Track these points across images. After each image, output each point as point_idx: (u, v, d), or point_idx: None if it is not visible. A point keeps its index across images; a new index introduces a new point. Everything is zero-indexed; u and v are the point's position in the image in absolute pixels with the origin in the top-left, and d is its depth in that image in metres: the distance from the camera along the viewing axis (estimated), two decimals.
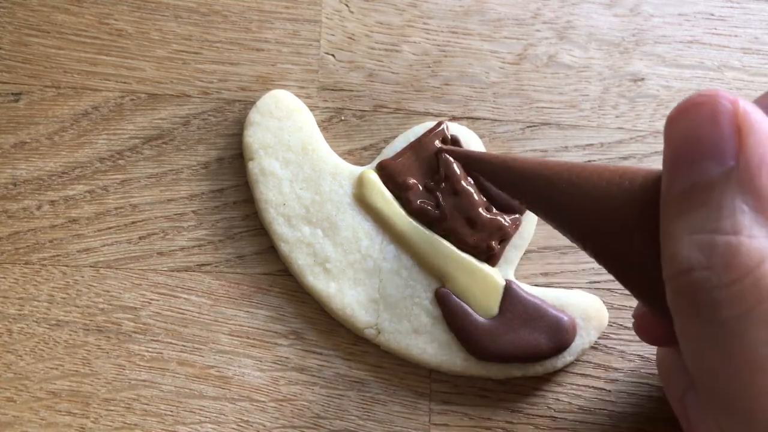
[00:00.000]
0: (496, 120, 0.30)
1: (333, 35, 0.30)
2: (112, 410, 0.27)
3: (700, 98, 0.18)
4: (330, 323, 0.28)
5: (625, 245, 0.20)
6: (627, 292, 0.29)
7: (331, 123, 0.30)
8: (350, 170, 0.29)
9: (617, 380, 0.29)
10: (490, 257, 0.28)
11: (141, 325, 0.28)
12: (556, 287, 0.29)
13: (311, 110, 0.29)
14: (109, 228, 0.29)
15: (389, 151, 0.29)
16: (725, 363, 0.17)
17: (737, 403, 0.18)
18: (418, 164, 0.28)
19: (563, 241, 0.29)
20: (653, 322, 0.24)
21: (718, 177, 0.18)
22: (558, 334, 0.27)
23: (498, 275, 0.28)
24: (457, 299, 0.28)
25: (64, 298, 0.28)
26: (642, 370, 0.29)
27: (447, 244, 0.28)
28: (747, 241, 0.17)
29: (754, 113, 0.18)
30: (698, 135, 0.18)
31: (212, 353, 0.28)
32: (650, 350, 0.29)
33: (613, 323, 0.29)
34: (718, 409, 0.18)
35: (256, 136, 0.28)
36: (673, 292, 0.18)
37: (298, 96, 0.29)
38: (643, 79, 0.30)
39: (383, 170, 0.28)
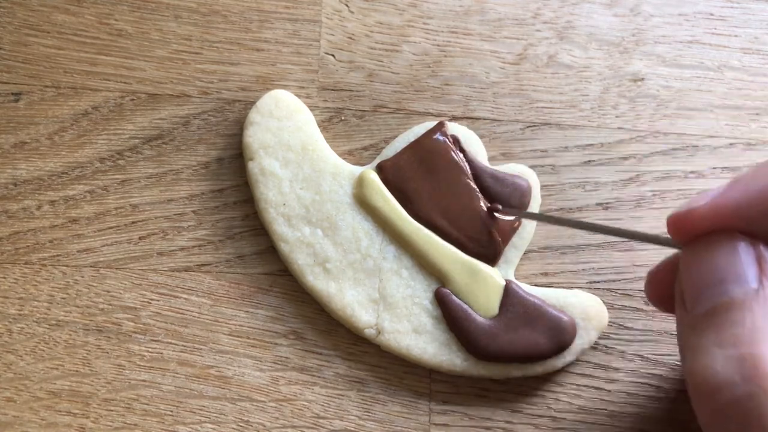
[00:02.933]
0: (496, 120, 0.30)
1: (333, 35, 0.30)
2: (112, 410, 0.27)
3: (716, 234, 0.20)
4: (330, 323, 0.28)
5: None
6: (627, 291, 0.29)
7: (331, 123, 0.30)
8: (350, 170, 0.29)
9: (617, 380, 0.28)
10: (491, 257, 0.28)
11: (141, 325, 0.28)
12: (556, 287, 0.29)
13: (311, 110, 0.29)
14: (109, 228, 0.29)
15: (389, 151, 0.29)
16: None
17: None
18: (418, 164, 0.28)
19: (563, 241, 0.29)
20: (667, 284, 0.24)
21: (741, 298, 0.19)
22: (558, 334, 0.27)
23: (498, 275, 0.28)
24: (457, 299, 0.28)
25: (64, 298, 0.28)
26: (642, 370, 0.29)
27: (447, 244, 0.28)
28: None
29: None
30: (718, 262, 0.20)
31: (212, 353, 0.28)
32: (650, 350, 0.29)
33: (613, 323, 0.29)
34: None
35: (256, 136, 0.28)
36: (712, 410, 0.19)
37: (298, 96, 0.29)
38: (643, 79, 0.30)
39: (383, 170, 0.28)
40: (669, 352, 0.29)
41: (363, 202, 0.28)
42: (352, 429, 0.28)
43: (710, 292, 0.20)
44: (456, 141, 0.29)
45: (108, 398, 0.27)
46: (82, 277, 0.28)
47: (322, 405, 0.28)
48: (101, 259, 0.28)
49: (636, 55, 0.31)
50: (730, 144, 0.30)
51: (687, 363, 0.20)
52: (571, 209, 0.30)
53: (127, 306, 0.28)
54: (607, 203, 0.30)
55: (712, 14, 0.31)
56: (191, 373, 0.28)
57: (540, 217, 0.28)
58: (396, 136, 0.29)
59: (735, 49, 0.31)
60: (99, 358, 0.28)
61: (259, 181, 0.28)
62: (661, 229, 0.30)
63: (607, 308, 0.29)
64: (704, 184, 0.30)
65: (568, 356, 0.28)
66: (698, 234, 0.21)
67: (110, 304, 0.28)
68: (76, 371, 0.27)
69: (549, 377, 0.28)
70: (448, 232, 0.28)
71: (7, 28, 0.29)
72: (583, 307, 0.28)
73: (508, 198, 0.28)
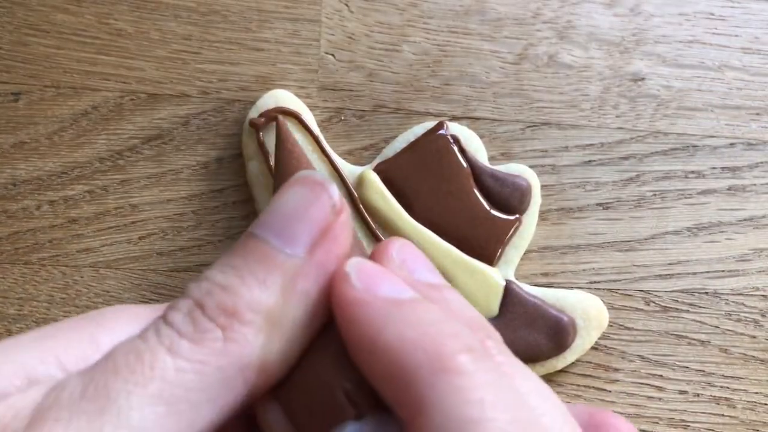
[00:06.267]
0: (496, 120, 0.30)
1: (333, 35, 0.30)
2: None
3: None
4: None
5: None
6: (627, 292, 0.29)
7: (331, 123, 0.30)
8: (350, 170, 0.29)
9: (617, 380, 0.28)
10: (491, 257, 0.28)
11: None
12: (556, 287, 0.29)
13: (311, 110, 0.29)
14: (109, 228, 0.29)
15: (389, 151, 0.29)
16: None
17: None
18: (418, 164, 0.28)
19: (563, 241, 0.29)
20: None
21: (284, 259, 0.15)
22: (558, 335, 0.27)
23: (498, 275, 0.28)
24: None
25: (63, 299, 0.28)
26: (642, 371, 0.29)
27: (447, 244, 0.28)
28: None
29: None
30: (296, 207, 0.16)
31: None
32: (651, 350, 0.29)
33: (613, 323, 0.29)
34: None
35: (255, 136, 0.28)
36: None
37: (298, 96, 0.29)
38: (643, 79, 0.30)
39: (383, 170, 0.28)
40: (669, 352, 0.29)
41: (363, 202, 0.28)
42: None
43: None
44: (456, 141, 0.29)
45: None
46: (82, 277, 0.28)
47: None
48: (101, 259, 0.28)
49: (636, 54, 0.31)
50: (731, 144, 0.30)
51: None
52: (571, 209, 0.30)
53: None
54: (607, 203, 0.30)
55: (712, 14, 0.31)
56: None
57: None
58: (396, 136, 0.29)
59: (735, 48, 0.31)
60: None
61: (258, 182, 0.28)
62: (659, 229, 0.30)
63: (608, 308, 0.29)
64: (704, 184, 0.30)
65: (569, 356, 0.28)
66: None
67: (110, 305, 0.28)
68: None
69: (549, 377, 0.28)
70: (448, 232, 0.28)
71: (6, 27, 0.29)
72: (583, 308, 0.28)
73: (508, 198, 0.28)
